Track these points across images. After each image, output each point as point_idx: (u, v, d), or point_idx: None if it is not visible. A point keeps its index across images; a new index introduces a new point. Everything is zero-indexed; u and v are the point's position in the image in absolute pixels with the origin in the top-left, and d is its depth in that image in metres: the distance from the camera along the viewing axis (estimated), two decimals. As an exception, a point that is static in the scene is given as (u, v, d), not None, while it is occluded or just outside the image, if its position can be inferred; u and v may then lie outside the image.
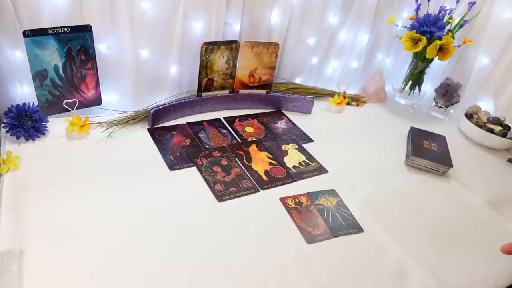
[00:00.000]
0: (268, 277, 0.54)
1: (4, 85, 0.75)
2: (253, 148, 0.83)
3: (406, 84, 1.14)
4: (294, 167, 0.79)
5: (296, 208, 0.68)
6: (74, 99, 0.76)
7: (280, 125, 0.94)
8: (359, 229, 0.66)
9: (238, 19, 0.93)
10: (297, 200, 0.70)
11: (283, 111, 1.01)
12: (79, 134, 0.75)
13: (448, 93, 1.10)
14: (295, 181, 0.75)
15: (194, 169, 0.74)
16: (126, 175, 0.69)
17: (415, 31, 1.00)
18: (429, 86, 1.21)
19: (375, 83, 1.16)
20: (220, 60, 0.88)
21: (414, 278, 0.58)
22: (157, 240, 0.57)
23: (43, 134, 0.74)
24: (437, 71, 1.21)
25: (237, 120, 0.93)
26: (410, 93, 1.15)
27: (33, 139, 0.72)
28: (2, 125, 0.72)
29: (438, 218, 0.72)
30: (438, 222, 0.71)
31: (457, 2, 1.01)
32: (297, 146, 0.86)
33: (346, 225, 0.66)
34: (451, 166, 0.84)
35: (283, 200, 0.69)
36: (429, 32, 0.98)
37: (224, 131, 0.88)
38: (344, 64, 1.17)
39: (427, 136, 0.97)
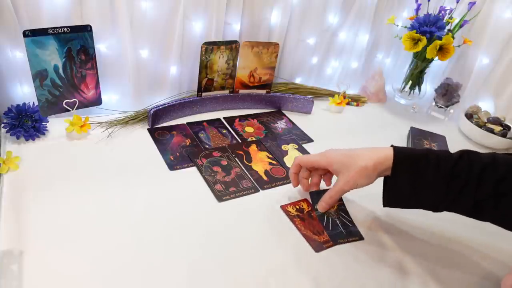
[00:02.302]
0: (267, 277, 0.54)
1: (4, 85, 0.75)
2: (253, 148, 0.83)
3: (406, 84, 1.14)
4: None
5: (298, 216, 0.66)
6: (74, 99, 0.76)
7: (280, 125, 0.95)
8: (359, 237, 0.64)
9: (238, 19, 0.93)
10: (297, 206, 0.68)
11: (283, 111, 1.01)
12: (79, 134, 0.75)
13: (448, 93, 1.10)
14: (295, 181, 0.75)
15: (194, 169, 0.74)
16: (126, 175, 0.69)
17: (415, 31, 1.00)
18: (429, 86, 1.21)
19: (375, 83, 1.16)
20: (220, 60, 0.88)
21: (414, 279, 0.58)
22: (157, 240, 0.57)
23: (43, 134, 0.74)
24: (437, 71, 1.21)
25: (237, 120, 0.93)
26: (410, 93, 1.15)
27: (33, 139, 0.72)
28: (2, 125, 0.72)
29: (438, 218, 0.72)
30: (438, 222, 0.71)
31: (457, 2, 1.01)
32: (297, 146, 0.86)
33: (346, 233, 0.64)
34: (451, 166, 0.83)
35: (284, 208, 0.67)
36: (429, 32, 0.98)
37: (224, 131, 0.88)
38: (344, 64, 1.17)
39: (427, 136, 0.97)
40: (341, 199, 0.71)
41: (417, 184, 0.57)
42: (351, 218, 0.68)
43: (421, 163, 0.57)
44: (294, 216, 0.66)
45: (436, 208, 0.59)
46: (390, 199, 0.61)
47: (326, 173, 0.69)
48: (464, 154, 0.57)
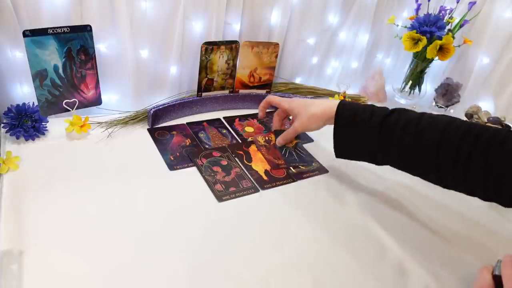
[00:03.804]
0: (267, 277, 0.54)
1: (4, 85, 0.75)
2: (253, 148, 0.83)
3: (406, 84, 1.14)
4: (294, 167, 0.79)
5: (265, 145, 0.81)
6: (74, 99, 0.76)
7: (280, 125, 0.94)
8: (309, 164, 0.80)
9: (238, 19, 0.93)
10: (266, 138, 0.83)
11: (283, 111, 1.01)
12: (79, 134, 0.75)
13: (448, 93, 1.10)
14: (295, 181, 0.75)
15: (194, 169, 0.74)
16: (126, 175, 0.69)
17: (415, 31, 1.00)
18: (429, 86, 1.21)
19: (375, 83, 1.16)
20: (220, 60, 0.88)
21: (414, 279, 0.58)
22: (156, 239, 0.57)
23: (43, 134, 0.74)
24: (437, 71, 1.21)
25: (237, 120, 0.93)
26: (410, 93, 1.15)
27: (33, 139, 0.72)
28: (2, 125, 0.72)
29: (438, 218, 0.72)
30: (438, 222, 0.71)
31: (457, 2, 1.01)
32: (297, 146, 0.87)
33: (299, 160, 0.80)
34: (451, 166, 0.84)
35: (255, 138, 0.83)
36: (429, 32, 0.98)
37: (224, 131, 0.87)
38: (344, 64, 1.17)
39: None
40: (299, 139, 0.85)
41: (354, 132, 0.65)
42: (305, 153, 0.83)
43: (358, 114, 0.65)
44: (262, 145, 0.81)
45: (375, 159, 0.66)
46: (337, 148, 0.69)
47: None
48: (397, 109, 0.64)
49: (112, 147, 0.75)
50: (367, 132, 0.63)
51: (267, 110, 0.99)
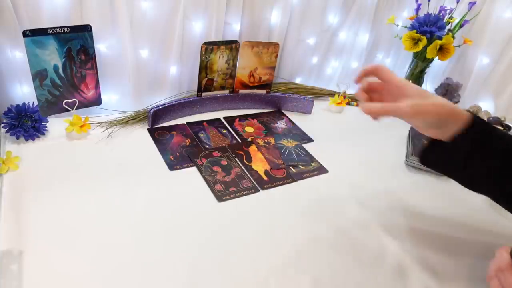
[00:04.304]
0: (268, 277, 0.54)
1: (4, 85, 0.75)
2: (253, 148, 0.83)
3: (406, 84, 1.14)
4: (294, 167, 0.79)
5: (265, 146, 0.83)
6: (74, 99, 0.76)
7: (280, 125, 0.94)
8: (308, 164, 0.80)
9: (238, 19, 0.93)
10: (266, 140, 0.85)
11: (283, 111, 1.01)
12: (79, 134, 0.74)
13: (448, 93, 1.10)
14: (295, 181, 0.75)
15: (194, 169, 0.74)
16: (126, 175, 0.69)
17: (415, 31, 1.00)
18: (429, 86, 1.21)
19: (375, 83, 1.16)
20: (220, 60, 0.88)
21: (414, 279, 0.58)
22: (157, 240, 0.57)
23: (43, 134, 0.74)
24: (437, 71, 1.21)
25: (237, 120, 0.93)
26: (410, 93, 1.15)
27: (33, 139, 0.72)
28: (2, 125, 0.72)
29: (438, 218, 0.72)
30: (438, 222, 0.71)
31: (457, 2, 1.01)
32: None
33: (297, 160, 0.80)
34: (451, 166, 0.83)
35: (255, 140, 0.85)
36: (429, 32, 0.98)
37: (224, 131, 0.87)
38: (344, 64, 1.17)
39: (427, 136, 0.96)
40: (299, 141, 0.88)
41: (476, 152, 0.51)
42: (305, 153, 0.83)
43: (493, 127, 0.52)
44: (262, 146, 0.83)
45: (470, 184, 0.55)
46: (438, 157, 0.56)
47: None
48: None
49: (112, 147, 0.75)
50: (492, 156, 0.51)
51: (268, 110, 0.99)
